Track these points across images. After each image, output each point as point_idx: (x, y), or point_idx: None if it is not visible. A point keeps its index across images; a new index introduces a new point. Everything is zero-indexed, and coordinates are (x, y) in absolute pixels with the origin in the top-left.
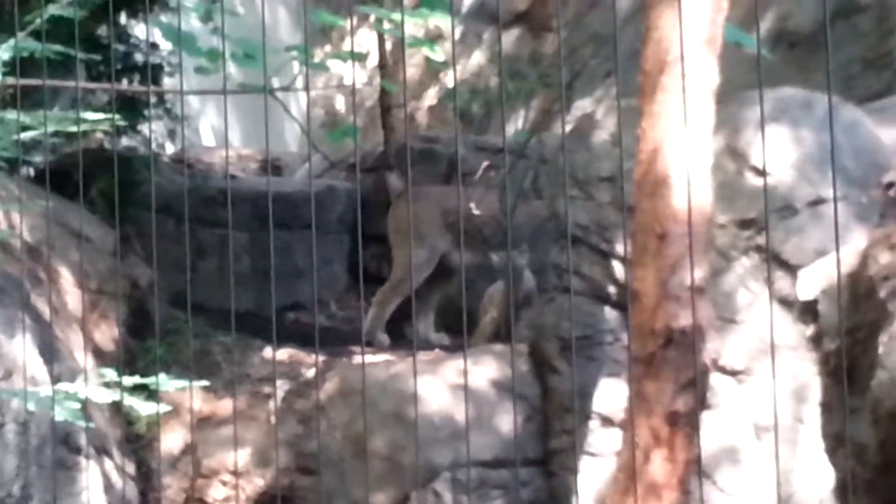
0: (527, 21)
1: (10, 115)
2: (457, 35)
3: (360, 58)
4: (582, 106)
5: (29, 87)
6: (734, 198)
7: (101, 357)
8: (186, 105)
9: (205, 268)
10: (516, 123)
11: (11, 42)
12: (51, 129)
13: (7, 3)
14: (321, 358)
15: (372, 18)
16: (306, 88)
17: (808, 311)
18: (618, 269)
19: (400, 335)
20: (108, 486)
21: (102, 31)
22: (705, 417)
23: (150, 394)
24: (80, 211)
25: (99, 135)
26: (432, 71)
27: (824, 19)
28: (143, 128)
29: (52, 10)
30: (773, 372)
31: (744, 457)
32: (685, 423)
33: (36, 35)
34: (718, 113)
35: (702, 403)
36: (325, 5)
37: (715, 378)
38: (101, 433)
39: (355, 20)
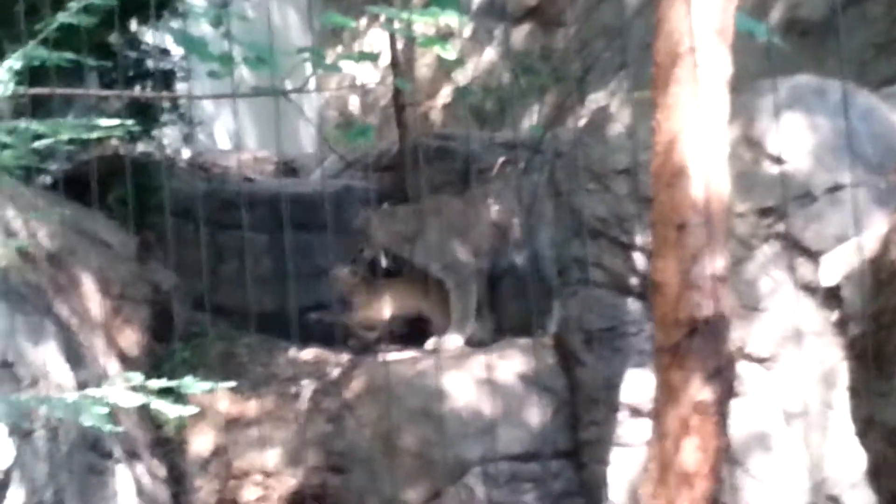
0: (537, 16)
1: (24, 123)
2: (468, 32)
3: (371, 58)
4: (595, 99)
5: (42, 96)
6: (752, 186)
7: (125, 362)
8: (200, 109)
9: (225, 270)
10: (530, 118)
11: (22, 51)
12: (65, 136)
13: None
14: (346, 357)
15: (383, 18)
16: (318, 90)
17: (831, 297)
18: (639, 260)
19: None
20: (140, 490)
21: (114, 38)
22: (734, 405)
23: (178, 397)
24: (98, 217)
25: (114, 141)
26: (445, 69)
27: (836, 6)
28: (159, 133)
29: (62, 17)
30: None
31: (774, 443)
32: (714, 412)
33: (46, 43)
34: (733, 102)
35: (729, 391)
36: (336, 6)
37: (742, 366)
38: (131, 437)
39: (365, 20)
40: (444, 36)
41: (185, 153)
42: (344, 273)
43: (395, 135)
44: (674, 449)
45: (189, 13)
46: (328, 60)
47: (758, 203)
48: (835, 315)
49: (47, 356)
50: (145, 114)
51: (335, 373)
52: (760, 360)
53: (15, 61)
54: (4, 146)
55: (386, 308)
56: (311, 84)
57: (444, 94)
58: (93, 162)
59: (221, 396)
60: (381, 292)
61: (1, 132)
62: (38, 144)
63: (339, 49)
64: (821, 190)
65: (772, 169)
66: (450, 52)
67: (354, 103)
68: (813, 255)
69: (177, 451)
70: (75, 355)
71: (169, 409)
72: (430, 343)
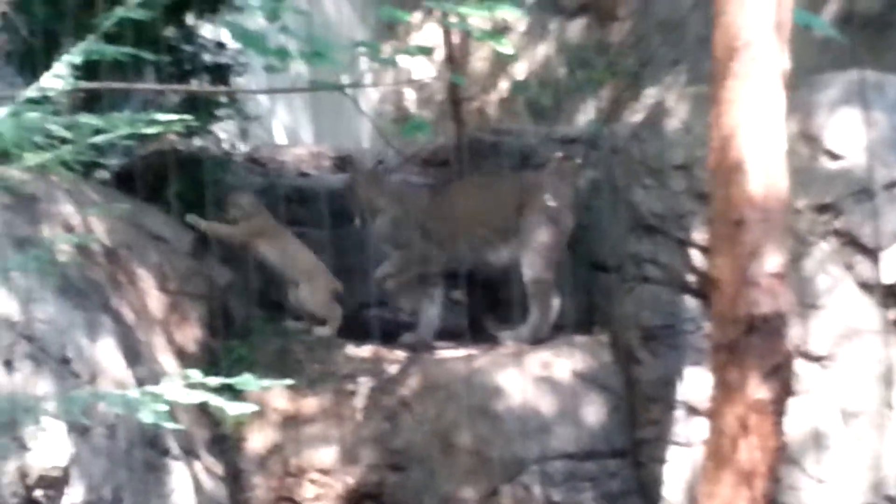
0: (592, 10)
1: (83, 118)
2: (523, 26)
3: (426, 52)
4: (652, 94)
5: (98, 90)
6: (810, 183)
7: (183, 358)
8: (257, 104)
9: None
10: (586, 113)
11: (81, 46)
12: (122, 131)
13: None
14: (403, 354)
15: (438, 12)
16: (374, 84)
17: (890, 295)
18: (696, 257)
19: (478, 329)
20: (198, 488)
21: (171, 32)
22: (791, 404)
23: (235, 394)
24: (155, 212)
25: (171, 136)
26: (501, 63)
27: None
28: (215, 128)
29: (120, 12)
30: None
31: (831, 442)
32: (771, 411)
33: (105, 38)
34: (790, 97)
35: (787, 390)
36: (391, 0)
37: (799, 364)
38: (188, 435)
39: (421, 14)
40: (500, 30)
41: (242, 148)
42: None
43: (451, 130)
44: (731, 448)
45: (245, 7)
46: (384, 55)
47: (815, 199)
48: (893, 313)
49: (105, 352)
50: (201, 109)
51: (392, 370)
52: (818, 359)
53: (73, 56)
54: (63, 141)
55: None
56: (367, 78)
57: (500, 89)
58: (149, 157)
59: (278, 394)
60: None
61: (59, 127)
62: (96, 139)
63: (395, 43)
64: (879, 186)
65: (829, 165)
66: (506, 47)
67: (410, 98)
68: (871, 253)
69: (234, 449)
70: (133, 351)
71: (228, 407)
72: (505, 335)
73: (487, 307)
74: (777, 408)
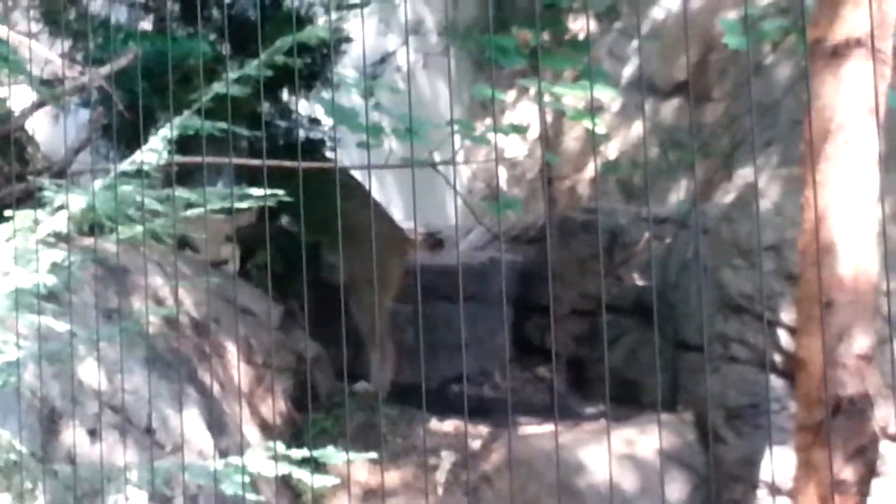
0: (686, 90)
1: (176, 192)
2: (617, 106)
3: (520, 130)
4: (744, 175)
5: (193, 165)
6: None
7: (266, 430)
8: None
9: None
10: (678, 193)
11: (178, 120)
12: (215, 206)
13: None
14: (486, 429)
15: (533, 91)
16: (466, 161)
17: None
18: (782, 337)
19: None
20: None
21: (266, 108)
22: (875, 485)
23: (317, 466)
24: (244, 285)
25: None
26: (594, 142)
27: None
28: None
29: (217, 87)
30: None
31: None
32: (855, 492)
33: (199, 113)
34: (883, 180)
35: (871, 471)
36: (486, 79)
37: (884, 445)
38: None
39: (515, 93)
40: (594, 110)
41: None
42: None
43: (542, 208)
44: None
45: (341, 84)
46: (477, 132)
47: None
48: None
49: (189, 423)
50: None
51: (475, 445)
52: None
53: (169, 130)
54: (155, 214)
55: None
56: (460, 156)
57: (592, 168)
58: (241, 231)
59: (361, 467)
60: None
61: (153, 200)
62: (188, 213)
63: (488, 121)
64: None
65: None
66: (599, 126)
67: (502, 176)
68: None
69: None
70: (217, 422)
71: (309, 479)
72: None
73: (571, 384)
74: (861, 489)
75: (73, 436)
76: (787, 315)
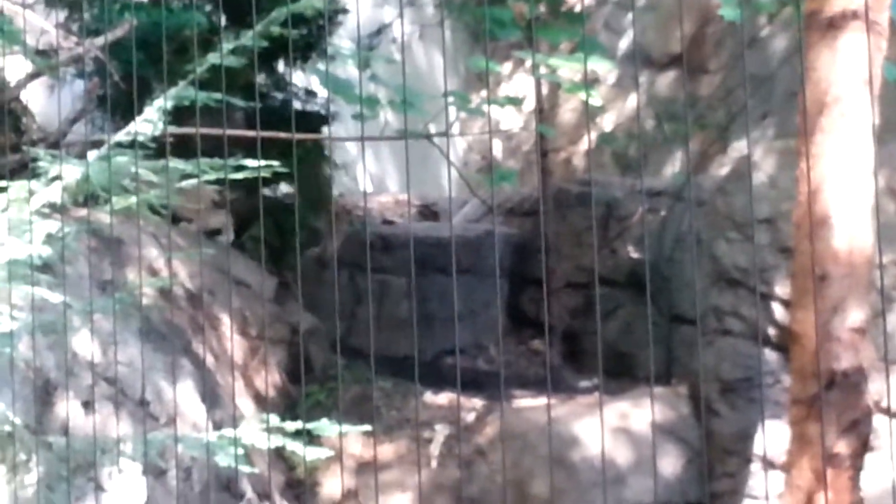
0: (682, 63)
1: (171, 163)
2: (612, 78)
3: (516, 102)
4: (739, 148)
5: (189, 136)
6: (894, 238)
7: (260, 402)
8: (343, 151)
9: (363, 313)
10: (673, 166)
11: (173, 91)
12: (211, 177)
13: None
14: (480, 402)
15: (528, 63)
16: (462, 133)
17: None
18: (777, 310)
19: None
20: None
21: (261, 79)
22: (868, 459)
23: (312, 439)
24: (238, 257)
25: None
26: (588, 115)
27: None
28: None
29: (212, 58)
30: None
31: None
32: (848, 466)
33: (195, 83)
34: (878, 153)
35: (865, 445)
36: (482, 51)
37: (878, 420)
38: (263, 479)
39: (511, 65)
40: (589, 82)
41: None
42: None
43: (537, 180)
44: (806, 502)
45: (336, 55)
46: (472, 105)
47: None
48: None
49: (184, 395)
50: (288, 155)
51: (468, 418)
52: None
53: (165, 101)
54: (150, 185)
55: None
56: (456, 128)
57: (587, 140)
58: (235, 202)
59: (354, 440)
60: None
61: (147, 171)
62: (183, 184)
63: (484, 93)
64: None
65: None
66: (595, 98)
67: (497, 148)
68: None
69: (309, 493)
70: (211, 395)
71: (303, 451)
72: None
73: (566, 357)
74: (854, 463)
75: (67, 407)
76: (782, 288)
